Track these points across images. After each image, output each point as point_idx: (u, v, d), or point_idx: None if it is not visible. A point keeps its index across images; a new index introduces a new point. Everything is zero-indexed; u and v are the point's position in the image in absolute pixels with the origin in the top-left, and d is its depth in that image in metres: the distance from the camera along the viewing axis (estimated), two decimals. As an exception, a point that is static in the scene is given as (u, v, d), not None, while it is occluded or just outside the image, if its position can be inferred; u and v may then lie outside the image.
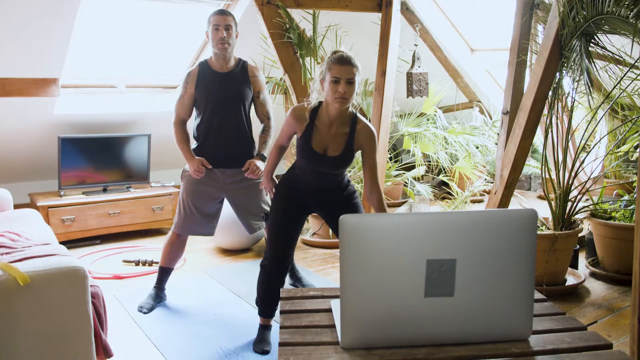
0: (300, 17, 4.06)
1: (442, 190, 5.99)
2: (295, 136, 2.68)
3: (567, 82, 3.18)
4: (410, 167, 5.66)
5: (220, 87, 3.16)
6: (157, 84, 5.03)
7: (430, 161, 5.48)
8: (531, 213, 1.19)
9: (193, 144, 3.29)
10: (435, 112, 5.06)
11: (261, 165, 3.18)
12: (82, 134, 4.80)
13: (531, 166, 6.01)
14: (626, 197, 3.81)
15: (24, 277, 2.06)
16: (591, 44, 2.63)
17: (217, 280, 3.80)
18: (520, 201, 4.11)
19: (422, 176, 5.59)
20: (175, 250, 3.34)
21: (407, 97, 4.56)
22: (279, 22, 3.83)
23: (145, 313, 3.22)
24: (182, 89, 3.20)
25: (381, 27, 4.15)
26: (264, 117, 3.31)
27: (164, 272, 3.40)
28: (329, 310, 1.42)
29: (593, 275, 3.77)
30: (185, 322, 3.13)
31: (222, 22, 3.10)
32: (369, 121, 3.18)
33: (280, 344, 1.22)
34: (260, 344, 2.79)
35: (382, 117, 4.10)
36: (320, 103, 2.58)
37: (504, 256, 1.19)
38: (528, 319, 1.25)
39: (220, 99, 3.16)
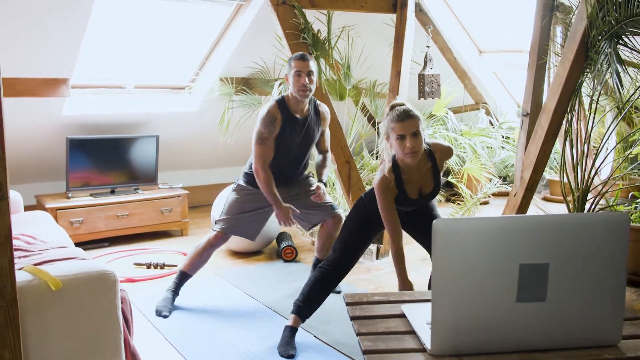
0: (314, 17, 4.03)
1: (447, 192, 5.98)
2: None
3: (586, 85, 3.18)
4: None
5: (301, 134, 3.21)
6: (166, 84, 4.97)
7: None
8: (623, 217, 1.17)
9: (247, 169, 3.29)
10: (447, 113, 5.06)
11: (325, 191, 3.26)
12: (90, 135, 4.74)
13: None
14: (641, 199, 3.81)
15: (56, 281, 2.01)
16: (619, 46, 2.62)
17: (232, 283, 3.76)
18: (537, 203, 4.10)
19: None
20: (205, 256, 3.32)
21: (419, 99, 4.54)
22: (294, 22, 3.80)
23: (166, 317, 3.18)
24: (266, 131, 3.09)
25: (396, 28, 4.13)
26: (324, 150, 3.43)
27: (184, 277, 3.36)
28: (401, 316, 1.39)
29: (608, 277, 3.77)
30: (205, 325, 3.09)
31: (305, 68, 3.08)
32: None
33: (365, 352, 1.19)
34: (286, 347, 2.76)
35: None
36: (394, 158, 2.58)
37: (596, 260, 1.18)
38: (619, 324, 1.23)
39: (300, 144, 3.23)
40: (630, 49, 2.64)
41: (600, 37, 2.65)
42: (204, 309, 3.32)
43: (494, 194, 6.02)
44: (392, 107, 2.53)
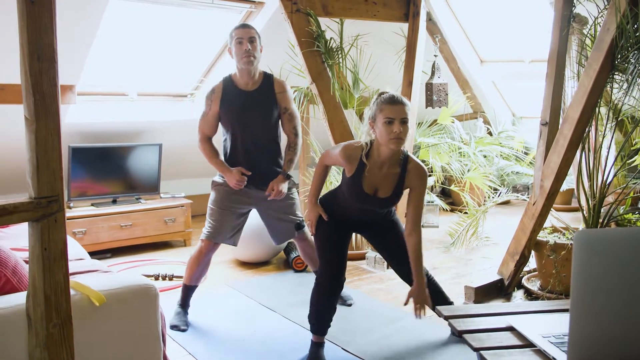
0: (325, 26, 4.00)
1: (446, 199, 6.00)
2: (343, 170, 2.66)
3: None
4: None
5: (246, 106, 3.04)
6: (170, 92, 4.89)
7: (431, 170, 5.48)
8: None
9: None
10: (453, 122, 5.08)
11: (284, 186, 3.09)
12: (92, 144, 4.62)
13: (532, 176, 6.07)
14: (653, 207, 3.86)
15: (100, 296, 1.93)
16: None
17: (245, 294, 3.69)
18: (552, 213, 4.12)
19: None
20: (203, 265, 3.17)
21: (426, 107, 4.55)
22: (308, 30, 3.77)
23: (184, 331, 3.09)
24: (206, 106, 3.07)
25: (408, 37, 4.13)
26: (291, 133, 3.20)
27: (189, 290, 3.25)
28: (509, 329, 1.37)
29: (620, 284, 3.80)
30: (228, 339, 3.01)
31: (246, 34, 2.99)
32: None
33: (496, 369, 1.16)
34: (316, 361, 2.71)
35: (408, 126, 4.06)
36: (371, 142, 2.53)
37: None
38: None
39: (246, 119, 3.06)
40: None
41: (629, 48, 2.68)
42: (224, 322, 3.24)
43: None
44: (382, 93, 2.49)
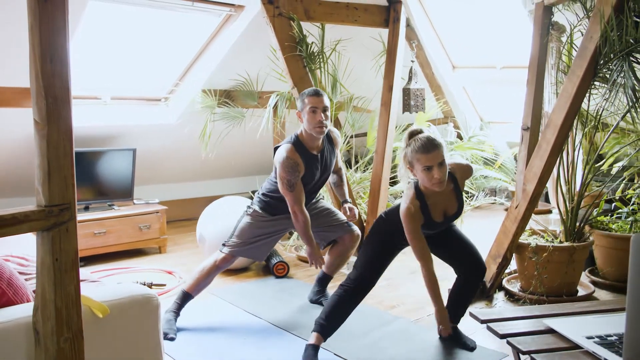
0: (306, 30, 4.00)
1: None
2: None
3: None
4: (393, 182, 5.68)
5: (321, 169, 3.18)
6: (144, 96, 4.77)
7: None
8: None
9: (262, 195, 3.25)
10: (429, 126, 5.14)
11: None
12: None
13: (501, 180, 6.20)
14: (625, 210, 4.00)
15: (103, 308, 1.86)
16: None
17: (229, 301, 3.63)
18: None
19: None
20: (212, 277, 3.22)
21: (403, 113, 4.59)
22: (291, 35, 3.76)
23: (172, 339, 3.02)
24: (292, 177, 2.99)
25: (388, 43, 4.17)
26: (339, 170, 3.49)
27: (187, 298, 3.22)
28: (549, 331, 1.37)
29: (594, 284, 3.92)
30: (219, 348, 2.95)
31: (320, 104, 3.02)
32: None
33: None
34: (313, 368, 2.69)
35: (389, 131, 4.11)
36: (416, 185, 2.58)
37: None
38: None
39: (320, 177, 3.20)
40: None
41: (612, 55, 2.77)
42: (211, 330, 3.18)
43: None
44: (413, 135, 2.53)
